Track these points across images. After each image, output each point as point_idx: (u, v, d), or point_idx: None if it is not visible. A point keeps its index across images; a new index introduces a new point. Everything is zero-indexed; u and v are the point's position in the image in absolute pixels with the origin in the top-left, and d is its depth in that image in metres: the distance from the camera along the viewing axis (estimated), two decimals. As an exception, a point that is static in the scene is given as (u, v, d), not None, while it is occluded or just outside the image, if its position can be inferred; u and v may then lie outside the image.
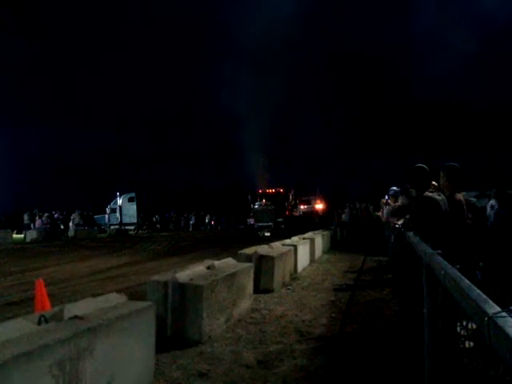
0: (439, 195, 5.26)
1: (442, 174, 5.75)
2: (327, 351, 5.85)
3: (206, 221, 47.07)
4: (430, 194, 5.16)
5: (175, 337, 5.92)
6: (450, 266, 1.99)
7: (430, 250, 2.51)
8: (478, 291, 1.52)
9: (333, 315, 7.73)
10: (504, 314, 1.25)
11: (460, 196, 5.75)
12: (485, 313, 1.31)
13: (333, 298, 9.11)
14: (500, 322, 1.21)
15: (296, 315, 7.69)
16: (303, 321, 7.35)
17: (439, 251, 2.38)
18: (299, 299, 8.97)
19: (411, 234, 4.56)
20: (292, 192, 38.04)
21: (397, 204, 7.48)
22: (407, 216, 6.67)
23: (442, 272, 1.94)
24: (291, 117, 59.83)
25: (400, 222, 7.66)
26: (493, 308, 1.32)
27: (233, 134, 55.40)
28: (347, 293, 9.73)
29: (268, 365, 5.31)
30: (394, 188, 9.35)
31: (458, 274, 1.80)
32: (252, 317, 7.51)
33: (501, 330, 1.17)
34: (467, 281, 1.66)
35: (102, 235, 35.20)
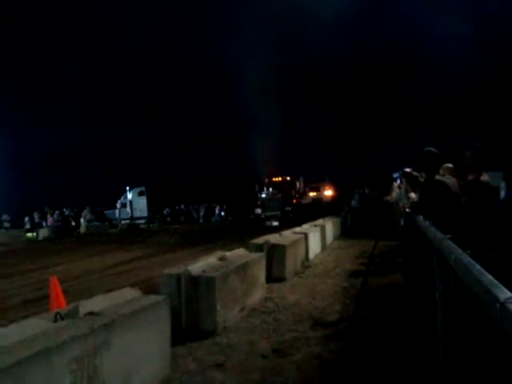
0: (449, 178, 5.24)
1: (468, 155, 5.68)
2: (341, 337, 5.87)
3: (216, 212, 47.10)
4: (440, 178, 5.14)
5: (190, 329, 5.97)
6: (460, 251, 1.99)
7: (440, 235, 2.51)
8: (490, 277, 1.51)
9: (346, 301, 7.75)
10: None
11: (486, 177, 5.68)
12: (496, 299, 1.31)
13: (345, 285, 9.12)
14: None
15: (309, 303, 7.72)
16: (316, 308, 7.38)
17: (449, 236, 2.37)
18: (312, 287, 9.00)
19: (421, 217, 4.55)
20: (301, 179, 37.93)
21: (413, 196, 7.40)
22: (416, 199, 6.64)
23: (453, 257, 1.94)
24: (300, 106, 59.54)
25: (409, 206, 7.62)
26: (504, 294, 1.32)
27: (240, 125, 55.19)
28: (359, 278, 9.73)
29: (283, 353, 5.35)
30: (408, 170, 9.13)
31: (469, 259, 1.80)
32: (265, 306, 7.54)
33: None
34: (478, 266, 1.65)
35: (114, 230, 35.31)
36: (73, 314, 3.91)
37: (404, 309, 6.80)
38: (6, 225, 33.58)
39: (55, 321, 3.74)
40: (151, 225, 41.48)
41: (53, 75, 65.99)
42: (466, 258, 1.82)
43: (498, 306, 1.28)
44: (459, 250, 2.00)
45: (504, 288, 1.38)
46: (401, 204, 10.11)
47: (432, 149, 5.40)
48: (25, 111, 64.91)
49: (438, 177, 5.23)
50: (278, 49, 51.10)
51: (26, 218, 35.15)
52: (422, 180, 5.92)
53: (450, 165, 6.86)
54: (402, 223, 10.40)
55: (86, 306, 4.09)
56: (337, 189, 38.92)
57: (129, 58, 68.55)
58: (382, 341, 5.61)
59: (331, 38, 57.76)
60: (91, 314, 3.88)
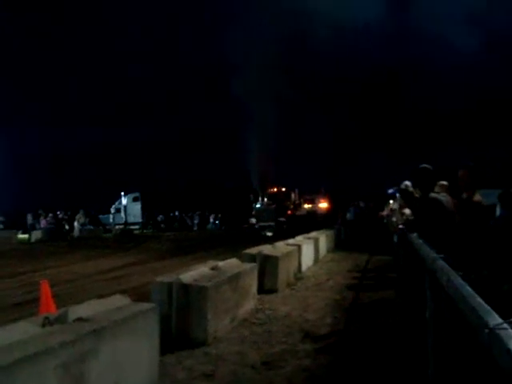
0: (444, 196, 5.24)
1: (461, 174, 5.70)
2: (331, 351, 5.85)
3: (211, 220, 47.04)
4: (435, 195, 5.14)
5: (180, 338, 5.93)
6: (452, 271, 1.99)
7: (433, 255, 2.50)
8: (480, 300, 1.51)
9: (337, 315, 7.73)
10: (505, 325, 1.25)
11: (479, 197, 5.70)
12: (486, 324, 1.30)
13: (337, 298, 9.11)
14: (501, 334, 1.21)
15: (300, 315, 7.70)
16: (307, 321, 7.35)
17: (442, 255, 2.37)
18: (303, 299, 8.98)
19: (415, 235, 4.55)
20: (296, 191, 37.98)
21: (407, 213, 7.39)
22: (410, 217, 6.65)
23: (445, 278, 1.94)
24: (297, 116, 59.56)
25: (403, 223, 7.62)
26: (494, 319, 1.32)
27: (236, 135, 55.17)
28: (352, 292, 9.72)
29: (273, 365, 5.32)
30: (406, 183, 8.86)
31: (461, 281, 1.79)
32: (257, 317, 7.52)
33: (501, 342, 1.17)
34: (469, 289, 1.65)
35: (107, 235, 35.21)
36: (62, 320, 3.88)
37: (395, 325, 6.78)
38: (0, 226, 33.49)
39: (43, 326, 3.71)
40: (145, 231, 41.41)
41: (47, 76, 65.90)
42: (458, 280, 1.82)
43: (486, 331, 1.28)
44: (452, 271, 2.00)
45: (494, 313, 1.37)
46: (395, 220, 10.10)
47: (427, 166, 5.40)
48: (18, 112, 64.82)
49: (432, 194, 5.23)
50: (277, 56, 51.01)
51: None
52: (417, 196, 5.92)
53: (445, 182, 6.87)
54: (395, 239, 10.39)
55: (76, 311, 4.06)
56: (332, 201, 38.97)
57: (125, 59, 68.56)
58: (371, 356, 5.60)
59: (332, 49, 57.86)
60: (80, 319, 3.85)
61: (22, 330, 3.50)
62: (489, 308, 1.43)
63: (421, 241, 3.80)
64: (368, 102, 60.57)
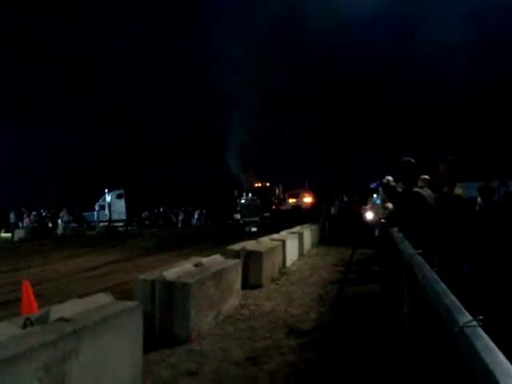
0: (426, 191, 5.25)
1: (441, 168, 5.73)
2: (315, 346, 5.88)
3: (195, 216, 46.95)
4: (417, 190, 5.15)
5: (164, 335, 5.92)
6: (428, 267, 1.99)
7: (411, 250, 2.51)
8: (452, 298, 1.52)
9: (321, 310, 7.76)
10: (474, 323, 1.26)
11: (459, 190, 5.74)
12: (456, 321, 1.31)
13: (321, 292, 9.15)
14: (469, 332, 1.22)
15: (285, 310, 7.72)
16: (292, 316, 7.38)
17: (420, 251, 2.38)
18: (288, 294, 9.00)
19: (395, 229, 4.57)
20: (280, 186, 37.99)
21: (390, 207, 7.41)
22: (392, 210, 6.67)
23: (420, 274, 1.95)
24: (281, 111, 59.49)
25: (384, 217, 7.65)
26: (464, 317, 1.33)
27: (220, 128, 55.05)
28: (336, 286, 9.77)
29: (256, 361, 5.33)
30: (388, 178, 8.90)
31: (436, 277, 1.80)
32: (241, 313, 7.53)
33: (469, 341, 1.18)
34: (443, 285, 1.65)
35: (91, 232, 34.95)
36: (43, 320, 3.85)
37: (378, 318, 6.83)
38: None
39: (24, 326, 3.67)
40: (129, 228, 41.22)
41: (33, 75, 65.24)
42: (433, 276, 1.83)
43: (456, 328, 1.28)
44: (427, 267, 2.01)
45: (465, 311, 1.38)
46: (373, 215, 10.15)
47: (410, 159, 5.38)
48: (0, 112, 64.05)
49: (415, 188, 5.24)
50: (261, 48, 50.88)
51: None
52: (400, 190, 5.94)
53: (427, 176, 6.90)
54: (377, 233, 10.44)
55: (58, 311, 4.03)
56: (316, 196, 39.05)
57: (106, 67, 68.11)
58: (355, 351, 5.63)
59: (322, 47, 57.88)
60: (62, 319, 3.82)
61: (3, 331, 3.46)
62: (460, 305, 1.44)
63: (401, 235, 3.81)
64: (352, 97, 60.74)
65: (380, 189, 11.00)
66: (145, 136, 67.05)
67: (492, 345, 1.15)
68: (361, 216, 22.61)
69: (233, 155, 51.89)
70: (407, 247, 2.78)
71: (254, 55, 50.92)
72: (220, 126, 55.05)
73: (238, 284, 8.06)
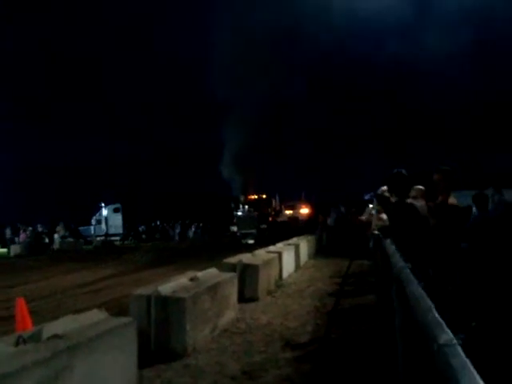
0: (418, 202, 5.27)
1: (435, 178, 5.76)
2: (312, 359, 5.85)
3: (192, 229, 46.92)
4: (410, 201, 5.17)
5: (159, 350, 5.89)
6: (415, 282, 2.00)
7: (400, 264, 2.51)
8: (435, 315, 1.52)
9: (318, 322, 7.74)
10: (454, 341, 1.26)
11: (453, 200, 5.77)
12: (435, 339, 1.31)
13: (318, 305, 9.12)
14: (447, 351, 1.22)
15: (281, 323, 7.69)
16: (288, 329, 7.35)
17: (409, 265, 2.38)
18: (284, 307, 8.97)
19: (388, 241, 4.57)
20: (277, 198, 38.00)
21: (384, 218, 7.42)
22: (386, 222, 6.68)
23: (408, 288, 1.95)
24: (277, 122, 59.65)
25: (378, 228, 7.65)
26: (445, 336, 1.33)
27: (216, 140, 55.19)
28: (332, 299, 9.74)
29: (253, 375, 5.30)
30: (384, 188, 8.96)
31: (420, 292, 1.80)
32: (237, 326, 7.49)
33: (446, 360, 1.18)
34: (428, 301, 1.65)
35: (88, 247, 34.89)
36: (36, 337, 3.83)
37: (375, 330, 6.81)
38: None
39: (17, 344, 3.66)
40: (126, 242, 41.16)
41: (32, 87, 65.32)
42: (419, 291, 1.83)
43: (435, 347, 1.28)
44: (413, 282, 2.01)
45: (447, 329, 1.38)
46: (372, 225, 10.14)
47: (402, 170, 5.41)
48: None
49: (408, 200, 5.26)
50: (257, 58, 51.02)
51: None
52: (393, 201, 5.95)
53: (422, 187, 6.92)
54: (371, 245, 10.43)
55: (51, 328, 4.01)
56: (313, 207, 39.05)
57: (104, 73, 68.21)
58: (351, 363, 5.61)
59: (323, 52, 58.13)
60: (55, 336, 3.80)
61: (-5, 349, 3.45)
62: (442, 322, 1.44)
63: (393, 247, 3.82)
64: (350, 107, 60.97)
65: (374, 200, 11.03)
66: (141, 150, 67.16)
67: (469, 365, 1.15)
68: (359, 227, 22.57)
69: (229, 163, 51.88)
70: (397, 260, 2.78)
71: (252, 60, 51.04)
72: (217, 136, 55.14)
73: (234, 297, 8.03)
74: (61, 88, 66.09)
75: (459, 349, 1.24)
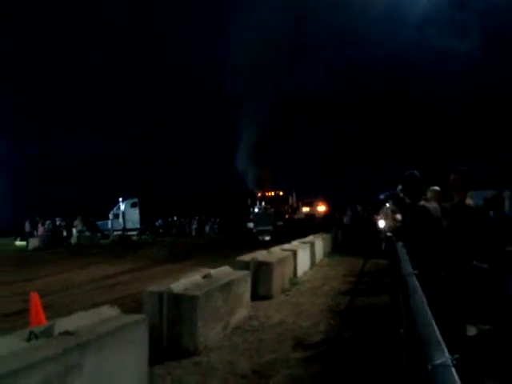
0: (431, 204, 5.20)
1: (452, 179, 5.69)
2: (323, 359, 5.84)
3: (209, 225, 47.04)
4: (422, 203, 5.10)
5: (171, 347, 5.92)
6: (419, 291, 1.97)
7: (409, 269, 2.49)
8: (433, 330, 1.49)
9: (331, 321, 7.71)
10: (449, 362, 1.24)
11: (470, 201, 5.71)
12: (431, 358, 1.29)
13: (331, 304, 9.10)
14: (441, 371, 1.20)
15: (294, 322, 7.69)
16: (301, 328, 7.34)
17: (416, 271, 2.35)
18: (298, 305, 8.96)
19: (400, 244, 4.53)
20: (294, 194, 37.86)
21: (399, 218, 7.36)
22: (399, 224, 6.62)
23: (411, 298, 1.92)
24: (296, 120, 59.48)
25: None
26: (440, 355, 1.30)
27: (235, 138, 55.16)
28: (346, 297, 9.71)
29: (263, 374, 5.30)
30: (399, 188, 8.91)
31: (423, 303, 1.78)
32: (249, 324, 7.50)
33: (439, 379, 1.16)
34: (428, 315, 1.63)
35: (105, 241, 35.13)
36: (48, 333, 3.87)
37: (387, 331, 6.77)
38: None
39: (29, 339, 3.70)
40: (143, 236, 41.37)
41: (48, 83, 65.82)
42: (421, 303, 1.80)
43: (429, 366, 1.27)
44: (418, 292, 1.98)
45: (443, 347, 1.36)
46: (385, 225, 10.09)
47: (415, 172, 5.32)
48: (18, 121, 64.68)
49: (422, 202, 5.19)
50: (278, 54, 50.88)
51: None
52: (408, 202, 5.90)
53: (438, 188, 6.85)
54: (383, 247, 10.37)
55: (63, 324, 4.04)
56: (330, 205, 38.86)
57: (126, 69, 68.48)
58: (362, 364, 5.58)
59: (332, 58, 57.83)
60: (66, 333, 3.84)
61: (7, 344, 3.48)
62: (439, 340, 1.41)
63: (404, 251, 3.78)
64: (369, 108, 60.48)
65: (390, 200, 10.93)
66: (159, 145, 67.43)
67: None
68: (374, 225, 22.47)
69: (244, 156, 51.78)
70: (406, 266, 2.76)
71: (268, 57, 50.91)
72: (235, 132, 55.14)
73: (247, 295, 8.04)
74: (82, 88, 66.52)
75: (453, 370, 1.22)
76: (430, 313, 1.65)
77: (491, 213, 7.07)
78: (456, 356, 1.27)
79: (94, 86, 66.46)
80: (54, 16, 64.41)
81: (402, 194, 6.27)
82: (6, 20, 59.49)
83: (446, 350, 1.32)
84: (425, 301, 1.82)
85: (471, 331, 5.37)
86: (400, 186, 6.80)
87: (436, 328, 1.49)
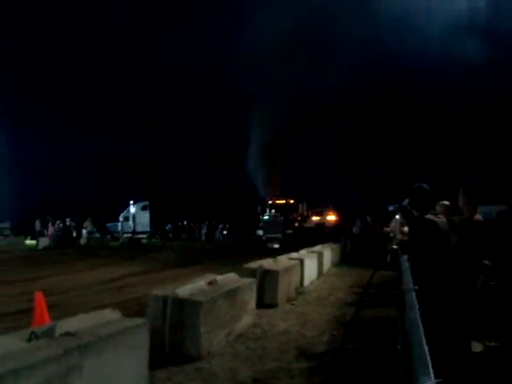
0: (439, 217, 5.15)
1: (460, 194, 5.66)
2: (326, 370, 5.81)
3: (218, 230, 47.07)
4: (430, 217, 5.05)
5: (173, 352, 5.92)
6: (415, 310, 1.95)
7: (409, 285, 2.47)
8: (423, 350, 1.47)
9: (335, 332, 7.67)
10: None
11: (479, 217, 5.68)
12: (417, 380, 1.28)
13: (337, 314, 9.05)
14: None
15: (298, 331, 7.66)
16: (305, 337, 7.31)
17: (416, 287, 2.33)
18: (303, 315, 8.93)
19: (405, 258, 4.49)
20: (304, 203, 37.74)
21: (405, 231, 7.31)
22: (405, 237, 6.59)
23: (406, 315, 1.91)
24: (305, 127, 59.23)
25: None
26: (426, 378, 1.29)
27: (245, 144, 55.19)
28: (352, 309, 9.65)
29: (264, 383, 5.29)
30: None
31: (417, 322, 1.76)
32: (253, 332, 7.48)
33: None
34: (420, 334, 1.61)
35: (115, 243, 35.22)
36: (49, 334, 3.88)
37: (392, 344, 6.71)
38: (6, 232, 33.74)
39: (30, 340, 3.71)
40: (152, 240, 41.49)
41: (54, 83, 66.18)
42: (416, 322, 1.78)
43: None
44: (414, 310, 1.96)
45: (430, 371, 1.34)
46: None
47: (423, 185, 5.27)
48: (27, 120, 65.05)
49: (429, 216, 5.14)
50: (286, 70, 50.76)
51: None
52: (416, 215, 5.86)
53: (447, 202, 6.80)
54: (388, 259, 10.32)
55: (64, 325, 4.06)
56: (340, 215, 38.70)
57: (133, 69, 68.67)
58: (364, 377, 5.54)
59: (342, 65, 57.54)
60: (67, 334, 3.85)
61: (7, 344, 3.50)
62: (427, 363, 1.39)
63: (407, 265, 3.75)
64: (377, 115, 60.13)
65: (399, 212, 10.88)
66: (170, 148, 67.58)
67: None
68: (383, 236, 22.35)
69: (254, 159, 51.79)
70: (407, 280, 2.74)
71: (280, 53, 50.85)
72: (245, 136, 55.09)
73: (252, 303, 8.02)
74: (87, 81, 66.72)
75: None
76: (422, 332, 1.63)
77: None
78: (439, 380, 1.25)
79: (105, 83, 66.60)
80: (54, 16, 64.50)
81: (409, 207, 6.23)
82: (6, 20, 59.86)
83: (431, 375, 1.31)
84: (419, 319, 1.80)
85: (477, 347, 5.32)
86: (408, 199, 6.77)
87: (426, 349, 1.48)
